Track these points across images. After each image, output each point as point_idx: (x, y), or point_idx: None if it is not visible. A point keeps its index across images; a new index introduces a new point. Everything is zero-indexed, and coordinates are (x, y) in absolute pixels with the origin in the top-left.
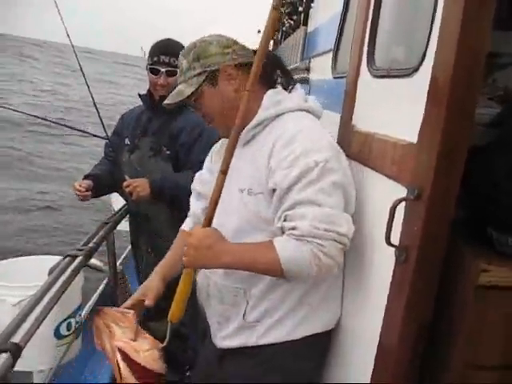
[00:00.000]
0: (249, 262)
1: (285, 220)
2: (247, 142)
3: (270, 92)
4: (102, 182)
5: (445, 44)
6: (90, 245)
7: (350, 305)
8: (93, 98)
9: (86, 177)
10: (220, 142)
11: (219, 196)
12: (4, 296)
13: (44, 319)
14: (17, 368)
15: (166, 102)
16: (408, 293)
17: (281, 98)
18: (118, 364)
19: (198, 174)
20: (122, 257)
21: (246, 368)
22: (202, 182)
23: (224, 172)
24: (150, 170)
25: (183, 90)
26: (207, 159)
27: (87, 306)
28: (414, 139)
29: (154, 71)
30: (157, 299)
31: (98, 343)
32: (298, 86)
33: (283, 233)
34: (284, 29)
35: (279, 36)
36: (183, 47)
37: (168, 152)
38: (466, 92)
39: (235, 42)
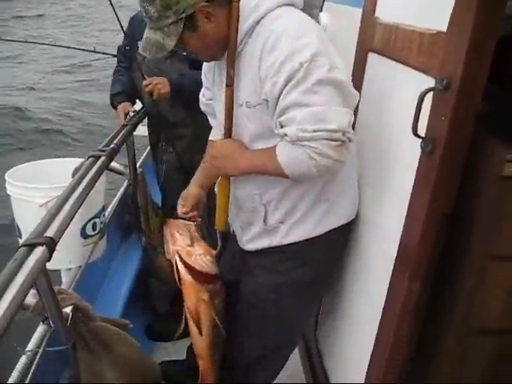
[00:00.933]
0: (260, 167)
1: (281, 127)
2: (237, 57)
3: None
4: (131, 93)
5: None
6: (112, 146)
7: (369, 194)
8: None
9: (116, 95)
10: None
11: (231, 108)
12: (30, 197)
13: (72, 218)
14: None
15: (145, 54)
16: (434, 183)
17: (257, 0)
18: (176, 265)
19: (200, 96)
20: (141, 160)
21: (274, 262)
22: (204, 103)
23: (229, 85)
24: (166, 72)
25: (161, 41)
26: (202, 78)
27: (110, 207)
28: (444, 27)
29: None
30: (199, 204)
31: (167, 252)
32: None
33: None
34: None
35: None
36: None
37: (184, 53)
38: None
39: None
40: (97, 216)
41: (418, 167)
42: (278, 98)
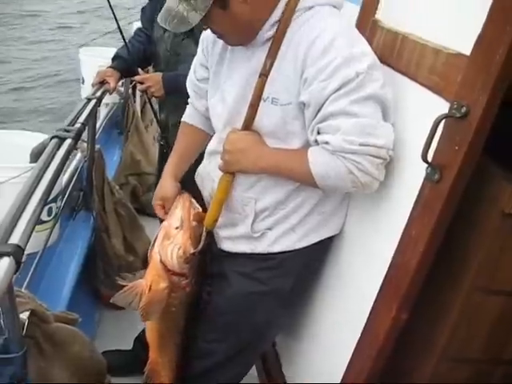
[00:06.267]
0: (284, 169)
1: (318, 133)
2: (268, 39)
3: None
4: (136, 63)
5: None
6: (78, 126)
7: (357, 213)
8: None
9: (117, 58)
10: None
11: (259, 101)
12: None
13: (41, 212)
14: None
15: (164, 26)
16: (439, 213)
17: None
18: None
19: (191, 73)
20: (97, 135)
21: (253, 269)
22: (194, 83)
23: (264, 75)
24: (179, 53)
25: (185, 14)
26: (199, 53)
27: (63, 185)
28: (467, 51)
29: None
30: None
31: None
32: None
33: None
34: None
35: None
36: None
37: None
38: None
39: None
40: (53, 200)
41: (421, 193)
42: (324, 102)
